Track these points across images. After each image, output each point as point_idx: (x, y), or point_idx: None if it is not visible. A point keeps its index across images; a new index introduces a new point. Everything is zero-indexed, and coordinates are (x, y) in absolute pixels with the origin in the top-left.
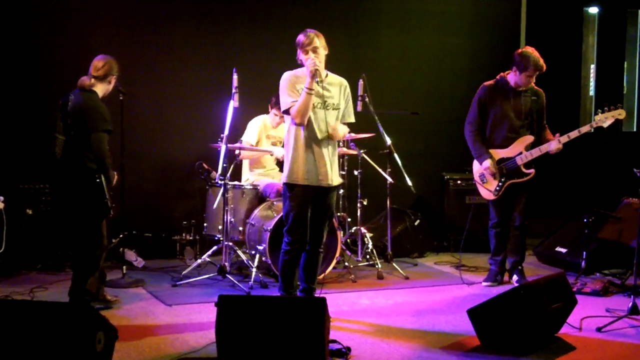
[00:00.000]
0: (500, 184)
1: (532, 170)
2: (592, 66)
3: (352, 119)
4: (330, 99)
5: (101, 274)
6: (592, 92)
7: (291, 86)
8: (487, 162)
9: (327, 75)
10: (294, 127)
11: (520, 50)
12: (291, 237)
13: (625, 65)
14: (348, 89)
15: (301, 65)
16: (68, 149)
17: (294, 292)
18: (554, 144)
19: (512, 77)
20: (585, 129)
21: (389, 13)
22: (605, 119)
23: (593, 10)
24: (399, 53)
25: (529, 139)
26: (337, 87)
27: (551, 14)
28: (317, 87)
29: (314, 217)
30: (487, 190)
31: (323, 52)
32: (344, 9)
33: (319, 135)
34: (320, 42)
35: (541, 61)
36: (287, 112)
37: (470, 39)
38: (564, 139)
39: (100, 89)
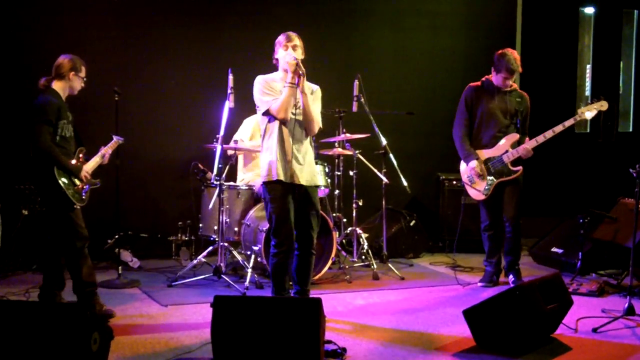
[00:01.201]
0: (489, 183)
1: (519, 168)
2: (588, 66)
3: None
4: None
5: (59, 280)
6: (587, 92)
7: (266, 87)
8: (473, 163)
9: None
10: (270, 127)
11: (500, 51)
12: (277, 239)
13: (621, 66)
14: (318, 94)
15: (275, 69)
16: (33, 147)
17: (286, 293)
18: (541, 138)
19: (493, 77)
20: (569, 122)
21: (384, 13)
22: (588, 111)
23: (589, 10)
24: (394, 53)
25: (515, 136)
26: (308, 91)
27: (547, 14)
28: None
29: (298, 218)
30: (476, 190)
31: (301, 53)
32: (338, 9)
33: (292, 137)
34: (299, 42)
35: (515, 64)
36: (266, 112)
37: (466, 39)
38: (549, 133)
39: (60, 87)
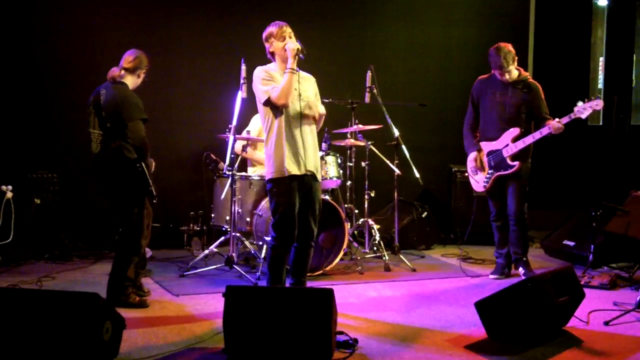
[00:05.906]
0: (488, 175)
1: (516, 163)
2: (601, 59)
3: (322, 111)
4: (305, 92)
5: (141, 259)
6: (600, 85)
7: (267, 76)
8: (471, 155)
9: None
10: (272, 122)
11: (495, 46)
12: (279, 233)
13: (634, 58)
14: (316, 84)
15: (270, 61)
16: (106, 142)
17: (282, 285)
18: (545, 130)
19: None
20: (564, 120)
21: (397, 5)
22: (583, 110)
23: (602, 2)
24: (407, 45)
25: (515, 131)
26: (309, 82)
27: (560, 6)
28: (295, 77)
29: (301, 211)
30: (476, 182)
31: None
32: (352, 1)
33: (297, 127)
34: (291, 31)
35: (501, 60)
36: (267, 102)
37: (478, 31)
38: (545, 130)
39: (130, 81)
